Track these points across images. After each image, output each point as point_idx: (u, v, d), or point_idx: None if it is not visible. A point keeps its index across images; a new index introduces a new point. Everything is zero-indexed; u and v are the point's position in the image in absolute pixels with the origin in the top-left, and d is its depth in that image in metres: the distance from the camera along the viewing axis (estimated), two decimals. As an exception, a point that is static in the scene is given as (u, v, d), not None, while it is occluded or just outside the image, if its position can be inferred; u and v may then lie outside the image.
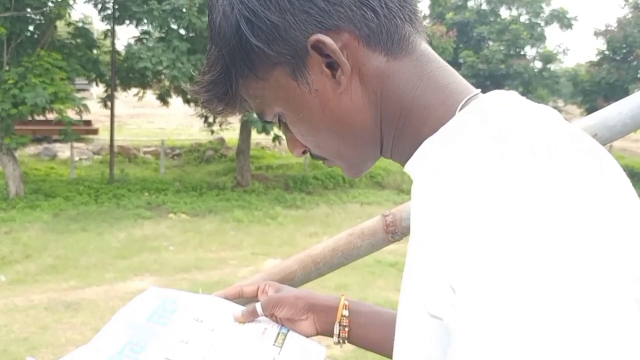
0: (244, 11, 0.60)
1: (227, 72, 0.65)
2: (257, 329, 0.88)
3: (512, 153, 0.48)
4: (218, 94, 0.68)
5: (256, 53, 0.62)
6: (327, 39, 0.59)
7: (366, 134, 0.65)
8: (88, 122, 18.45)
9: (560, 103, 26.21)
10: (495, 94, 0.60)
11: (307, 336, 0.91)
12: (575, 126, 0.58)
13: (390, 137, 0.65)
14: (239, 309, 0.91)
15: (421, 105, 0.62)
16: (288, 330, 0.90)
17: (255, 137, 15.88)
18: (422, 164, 0.60)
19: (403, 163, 0.65)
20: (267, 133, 13.47)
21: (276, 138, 13.98)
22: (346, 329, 0.89)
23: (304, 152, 0.72)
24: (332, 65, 0.61)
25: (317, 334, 0.91)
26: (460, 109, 0.60)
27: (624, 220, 0.45)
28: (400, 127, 0.64)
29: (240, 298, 0.96)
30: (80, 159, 16.51)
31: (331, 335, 0.90)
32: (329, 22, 0.60)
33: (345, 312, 0.90)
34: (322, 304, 0.91)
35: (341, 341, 0.90)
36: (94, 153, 17.69)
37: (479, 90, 0.63)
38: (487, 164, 0.49)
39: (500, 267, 0.43)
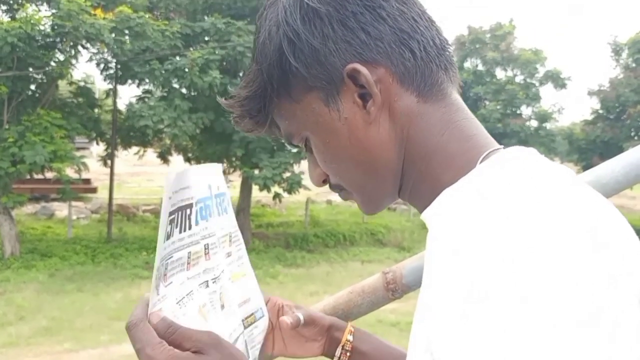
0: (288, 32, 0.63)
1: (263, 90, 0.68)
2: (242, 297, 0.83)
3: (525, 218, 0.48)
4: (251, 110, 0.70)
5: (294, 74, 0.65)
6: (363, 69, 0.62)
7: (388, 170, 0.66)
8: (87, 181, 18.53)
9: (557, 161, 26.43)
10: (516, 150, 0.61)
11: (309, 356, 0.88)
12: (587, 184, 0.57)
13: (410, 178, 0.66)
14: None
15: (444, 152, 0.63)
16: (262, 317, 0.85)
17: (256, 194, 15.93)
18: (438, 215, 0.60)
19: (420, 209, 0.66)
20: (268, 190, 13.51)
21: (277, 196, 14.00)
22: (348, 354, 0.88)
23: (324, 182, 0.73)
24: (364, 97, 0.63)
25: (322, 354, 0.89)
26: (481, 161, 0.61)
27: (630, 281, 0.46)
28: (421, 171, 0.65)
29: None
30: (78, 218, 16.47)
31: (331, 356, 0.89)
32: (368, 55, 0.62)
33: (350, 337, 0.89)
34: (338, 324, 0.91)
35: None
36: (92, 212, 17.66)
37: (502, 146, 0.64)
38: (497, 229, 0.48)
39: (479, 342, 0.43)
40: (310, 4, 0.63)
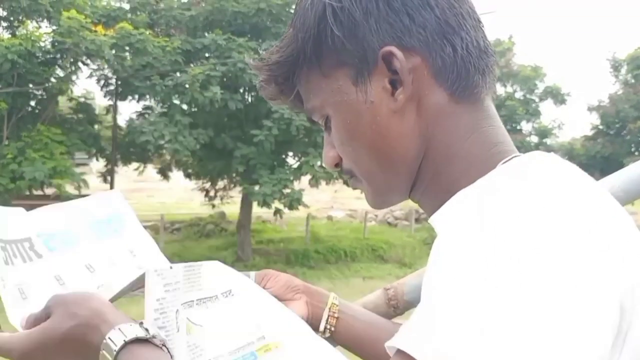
0: (333, 1, 0.61)
1: (295, 57, 0.66)
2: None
3: (533, 225, 0.47)
4: (279, 76, 0.68)
5: (328, 45, 0.63)
6: (399, 54, 0.60)
7: (404, 164, 0.64)
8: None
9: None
10: (537, 154, 0.59)
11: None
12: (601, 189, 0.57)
13: (425, 178, 0.64)
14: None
15: (466, 158, 0.61)
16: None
17: (257, 210, 15.91)
18: (448, 220, 0.58)
19: (430, 211, 0.64)
20: (269, 206, 13.49)
21: (277, 212, 13.98)
22: (335, 316, 0.88)
23: (337, 165, 0.71)
24: (394, 84, 0.61)
25: (308, 316, 0.87)
26: (502, 165, 0.59)
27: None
28: (439, 172, 0.63)
29: None
30: (79, 234, 16.43)
31: (319, 322, 0.88)
32: (407, 41, 0.60)
33: (336, 301, 0.89)
34: (316, 289, 0.90)
35: (329, 328, 0.87)
36: (93, 228, 17.61)
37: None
38: (505, 234, 0.48)
39: None
40: None
